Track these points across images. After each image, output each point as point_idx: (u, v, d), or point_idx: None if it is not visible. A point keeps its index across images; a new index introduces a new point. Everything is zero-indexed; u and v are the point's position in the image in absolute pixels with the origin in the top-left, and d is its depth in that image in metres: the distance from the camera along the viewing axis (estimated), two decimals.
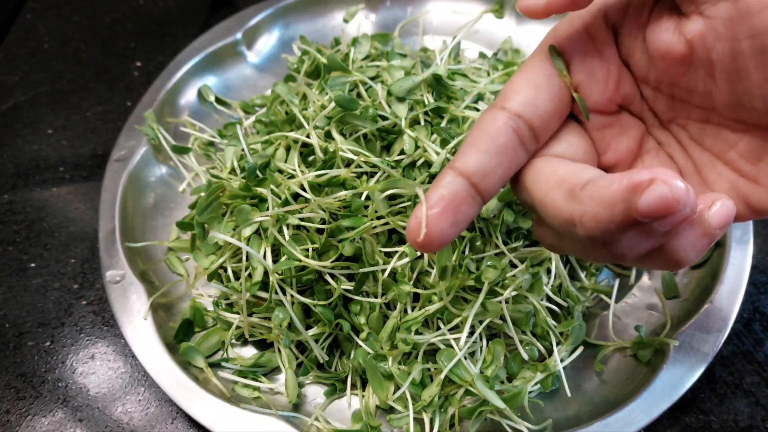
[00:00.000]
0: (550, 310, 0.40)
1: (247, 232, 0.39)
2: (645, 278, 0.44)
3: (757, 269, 0.46)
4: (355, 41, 0.51)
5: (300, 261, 0.38)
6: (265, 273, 0.38)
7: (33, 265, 0.48)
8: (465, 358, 0.37)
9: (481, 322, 0.38)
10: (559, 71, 0.25)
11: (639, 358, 0.39)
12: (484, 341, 0.39)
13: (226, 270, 0.42)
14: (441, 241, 0.24)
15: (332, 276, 0.39)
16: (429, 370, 0.38)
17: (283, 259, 0.38)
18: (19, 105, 0.58)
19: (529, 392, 0.39)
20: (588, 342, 0.41)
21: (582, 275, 0.43)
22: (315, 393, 0.40)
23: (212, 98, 0.53)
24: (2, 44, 0.61)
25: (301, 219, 0.39)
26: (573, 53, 0.25)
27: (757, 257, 0.47)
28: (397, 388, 0.38)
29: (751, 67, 0.22)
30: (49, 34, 0.64)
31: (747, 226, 0.42)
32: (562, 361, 0.39)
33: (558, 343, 0.40)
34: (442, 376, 0.36)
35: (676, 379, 0.37)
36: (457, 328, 0.38)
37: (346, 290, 0.39)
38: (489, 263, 0.38)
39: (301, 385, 0.40)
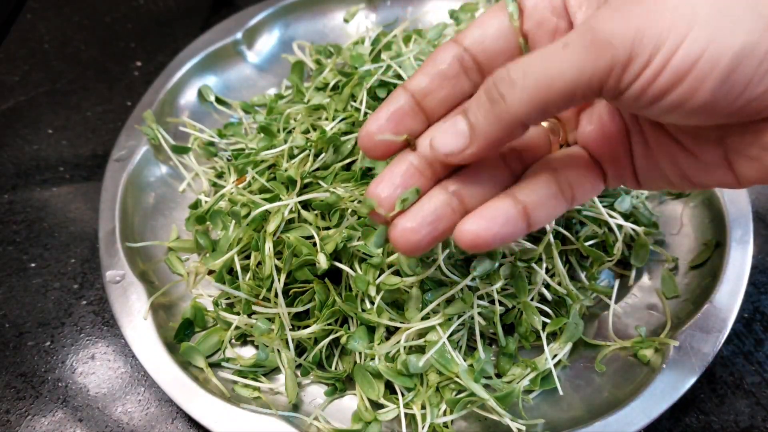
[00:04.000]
0: (546, 309, 0.40)
1: (272, 227, 0.40)
2: (645, 278, 0.44)
3: (757, 269, 0.46)
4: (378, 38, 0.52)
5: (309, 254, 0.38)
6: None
7: (33, 265, 0.48)
8: (454, 350, 0.37)
9: (460, 316, 0.38)
10: (510, 16, 0.28)
11: (639, 358, 0.39)
12: (477, 336, 0.39)
13: (229, 271, 0.42)
14: (384, 147, 0.29)
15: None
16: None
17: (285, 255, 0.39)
18: (19, 105, 0.58)
19: (529, 392, 0.39)
20: (588, 342, 0.41)
21: (582, 275, 0.43)
22: (315, 393, 0.40)
23: (212, 98, 0.53)
24: (2, 44, 0.61)
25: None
26: (527, 2, 0.28)
27: (757, 257, 0.47)
28: (388, 385, 0.38)
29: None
30: (49, 34, 0.64)
31: (747, 226, 0.42)
32: (554, 358, 0.39)
33: (550, 342, 0.40)
34: (426, 358, 0.37)
35: (676, 379, 0.37)
36: (449, 321, 0.38)
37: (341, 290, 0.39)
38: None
39: (300, 385, 0.40)
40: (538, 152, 0.30)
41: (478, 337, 0.39)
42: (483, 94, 0.25)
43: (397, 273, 0.39)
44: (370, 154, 0.29)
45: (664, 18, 0.21)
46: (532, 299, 0.40)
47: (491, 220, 0.26)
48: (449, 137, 0.26)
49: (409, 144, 0.29)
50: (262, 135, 0.48)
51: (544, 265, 0.40)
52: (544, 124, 0.30)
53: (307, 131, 0.47)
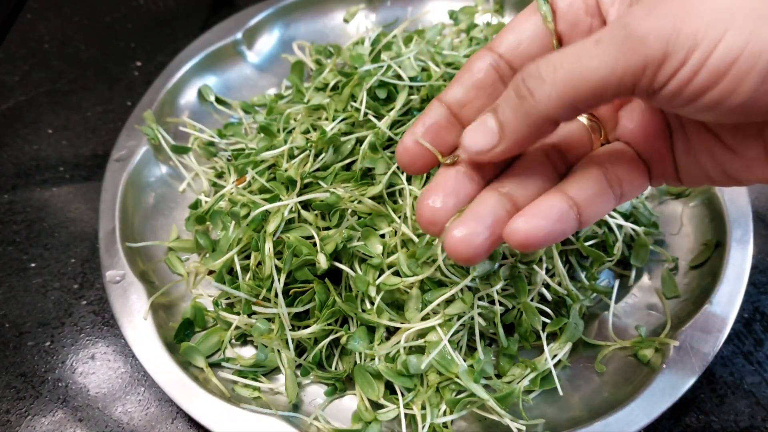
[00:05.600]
0: (546, 309, 0.40)
1: (272, 227, 0.40)
2: (645, 278, 0.44)
3: (757, 269, 0.46)
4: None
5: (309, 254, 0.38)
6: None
7: (33, 265, 0.48)
8: (454, 350, 0.37)
9: (460, 316, 0.38)
10: (544, 17, 0.27)
11: (639, 358, 0.39)
12: (477, 337, 0.39)
13: (229, 271, 0.42)
14: (423, 161, 0.28)
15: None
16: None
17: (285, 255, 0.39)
18: (19, 105, 0.58)
19: (529, 393, 0.39)
20: (588, 342, 0.41)
21: (582, 275, 0.43)
22: (315, 393, 0.40)
23: (212, 98, 0.53)
24: (2, 44, 0.61)
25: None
26: (560, 3, 0.28)
27: (757, 257, 0.47)
28: (388, 385, 0.38)
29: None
30: (49, 34, 0.64)
31: (747, 226, 0.42)
32: (554, 358, 0.39)
33: (550, 342, 0.40)
34: (427, 361, 0.36)
35: (676, 379, 0.37)
36: (449, 322, 0.38)
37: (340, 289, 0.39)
38: None
39: (300, 385, 0.40)
40: (581, 150, 0.29)
41: (477, 338, 0.39)
42: (512, 91, 0.24)
43: (397, 273, 0.39)
44: (410, 169, 0.29)
45: (701, 17, 0.21)
46: (532, 299, 0.40)
47: (544, 217, 0.25)
48: (479, 135, 0.26)
49: (450, 161, 0.28)
50: (262, 135, 0.48)
51: (544, 266, 0.40)
52: (584, 121, 0.30)
53: (307, 131, 0.47)
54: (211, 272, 0.44)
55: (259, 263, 0.41)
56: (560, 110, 0.23)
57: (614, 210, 0.43)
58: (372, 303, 0.39)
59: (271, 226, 0.40)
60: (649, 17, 0.22)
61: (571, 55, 0.23)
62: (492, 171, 0.28)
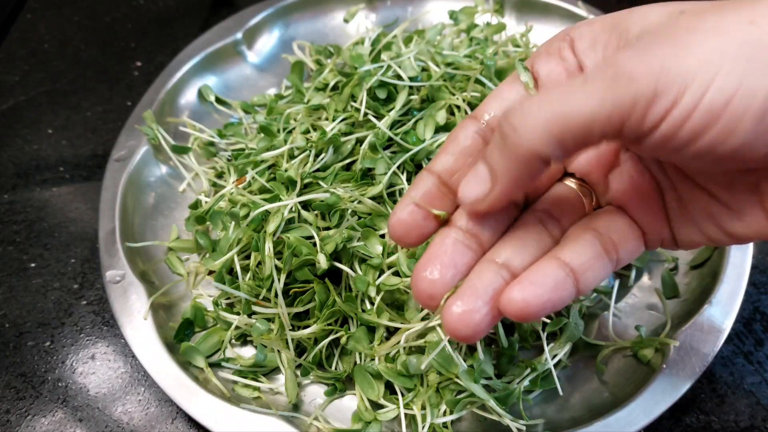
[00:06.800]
0: None
1: (272, 227, 0.40)
2: (645, 278, 0.44)
3: (757, 269, 0.46)
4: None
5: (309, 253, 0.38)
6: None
7: (33, 265, 0.48)
8: (454, 351, 0.37)
9: None
10: (526, 85, 0.27)
11: (639, 358, 0.39)
12: None
13: (229, 271, 0.42)
14: (418, 231, 0.27)
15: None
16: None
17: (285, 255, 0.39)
18: (19, 105, 0.58)
19: (529, 393, 0.39)
20: (588, 342, 0.41)
21: None
22: (315, 393, 0.40)
23: (212, 98, 0.53)
24: (2, 44, 0.61)
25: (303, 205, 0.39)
26: (541, 71, 0.28)
27: (757, 257, 0.47)
28: (388, 385, 0.38)
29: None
30: (49, 34, 0.64)
31: None
32: (554, 358, 0.39)
33: (550, 342, 0.40)
34: (427, 361, 0.36)
35: (676, 379, 0.37)
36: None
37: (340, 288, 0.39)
38: None
39: (300, 385, 0.40)
40: (574, 216, 0.28)
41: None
42: (497, 134, 0.24)
43: (396, 274, 0.39)
44: (404, 242, 0.28)
45: (691, 57, 0.21)
46: None
47: (540, 285, 0.24)
48: (472, 184, 0.25)
49: (444, 221, 0.27)
50: (262, 135, 0.48)
51: None
52: (574, 186, 0.29)
53: (307, 131, 0.47)
54: (211, 272, 0.44)
55: (259, 263, 0.41)
56: (546, 146, 0.22)
57: None
58: (372, 303, 0.39)
59: (271, 226, 0.40)
60: (638, 57, 0.21)
61: (557, 92, 0.22)
62: (489, 237, 0.27)
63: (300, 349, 0.41)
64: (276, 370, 0.41)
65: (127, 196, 0.45)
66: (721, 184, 0.25)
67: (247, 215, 0.41)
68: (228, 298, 0.43)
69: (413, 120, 0.46)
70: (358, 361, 0.39)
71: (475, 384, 0.36)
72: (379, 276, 0.39)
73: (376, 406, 0.38)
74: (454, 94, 0.47)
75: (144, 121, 0.49)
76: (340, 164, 0.44)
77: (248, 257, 0.42)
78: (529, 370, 0.38)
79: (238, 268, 0.41)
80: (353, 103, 0.46)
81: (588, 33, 0.27)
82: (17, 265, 0.48)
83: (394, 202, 0.42)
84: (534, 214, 0.28)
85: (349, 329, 0.40)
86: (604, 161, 0.29)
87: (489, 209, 0.26)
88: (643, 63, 0.21)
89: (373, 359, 0.38)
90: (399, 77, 0.47)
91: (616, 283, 0.43)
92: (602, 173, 0.29)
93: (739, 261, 0.40)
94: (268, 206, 0.41)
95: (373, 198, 0.42)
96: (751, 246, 0.41)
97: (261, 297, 0.40)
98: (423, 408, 0.37)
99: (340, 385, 0.39)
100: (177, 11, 0.67)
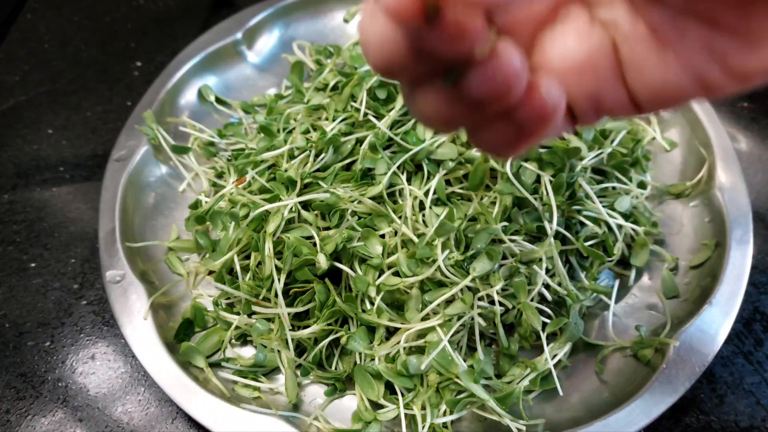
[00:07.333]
0: (546, 309, 0.40)
1: (272, 227, 0.40)
2: (645, 278, 0.44)
3: (757, 269, 0.46)
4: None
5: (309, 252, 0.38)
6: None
7: (33, 265, 0.48)
8: (454, 351, 0.37)
9: (460, 317, 0.38)
10: None
11: (639, 358, 0.39)
12: (477, 337, 0.39)
13: (229, 271, 0.42)
14: None
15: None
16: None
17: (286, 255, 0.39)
18: (19, 105, 0.58)
19: (529, 393, 0.39)
20: (588, 342, 0.41)
21: (582, 275, 0.43)
22: (315, 393, 0.40)
23: (212, 98, 0.53)
24: (2, 44, 0.61)
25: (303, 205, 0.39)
26: None
27: (757, 257, 0.47)
28: (388, 385, 0.38)
29: None
30: (49, 34, 0.64)
31: (747, 226, 0.42)
32: (554, 358, 0.39)
33: (550, 342, 0.40)
34: (427, 361, 0.36)
35: (676, 379, 0.37)
36: (449, 322, 0.38)
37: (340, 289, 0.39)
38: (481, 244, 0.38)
39: (300, 385, 0.40)
40: None
41: (477, 338, 0.39)
42: None
43: (396, 274, 0.39)
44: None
45: None
46: (531, 299, 0.40)
47: None
48: None
49: None
50: (262, 135, 0.48)
51: (544, 266, 0.40)
52: None
53: (307, 131, 0.47)
54: (211, 272, 0.44)
55: (259, 263, 0.41)
56: None
57: (614, 210, 0.43)
58: (372, 303, 0.39)
59: (271, 226, 0.40)
60: None
61: None
62: None
63: (300, 349, 0.41)
64: (276, 370, 0.41)
65: (127, 196, 0.45)
66: (731, 8, 0.18)
67: (247, 215, 0.41)
68: (228, 298, 0.43)
69: (413, 120, 0.46)
70: (358, 361, 0.39)
71: (475, 384, 0.36)
72: (379, 276, 0.39)
73: (376, 406, 0.38)
74: None
75: (144, 121, 0.49)
76: (340, 164, 0.44)
77: (248, 257, 0.42)
78: (529, 370, 0.39)
79: (238, 268, 0.41)
80: (353, 103, 0.46)
81: None
82: (17, 265, 0.48)
83: (395, 202, 0.42)
84: None
85: (349, 329, 0.40)
86: None
87: None
88: None
89: (373, 359, 0.38)
90: None
91: (616, 283, 0.43)
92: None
93: (739, 261, 0.40)
94: (268, 206, 0.41)
95: (373, 198, 0.42)
96: (751, 246, 0.41)
97: (261, 297, 0.40)
98: (423, 408, 0.37)
99: (340, 385, 0.39)
100: (177, 11, 0.67)
